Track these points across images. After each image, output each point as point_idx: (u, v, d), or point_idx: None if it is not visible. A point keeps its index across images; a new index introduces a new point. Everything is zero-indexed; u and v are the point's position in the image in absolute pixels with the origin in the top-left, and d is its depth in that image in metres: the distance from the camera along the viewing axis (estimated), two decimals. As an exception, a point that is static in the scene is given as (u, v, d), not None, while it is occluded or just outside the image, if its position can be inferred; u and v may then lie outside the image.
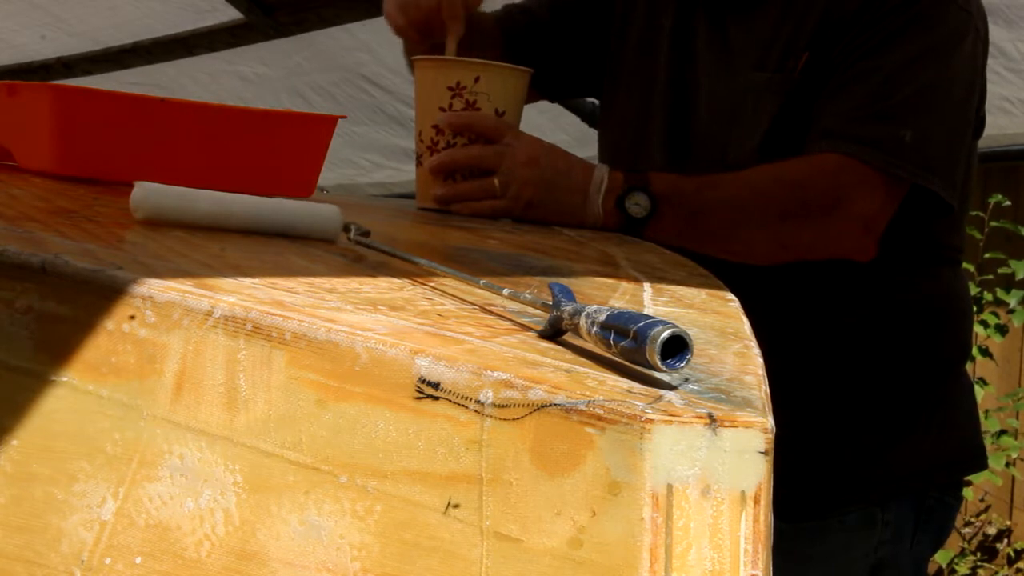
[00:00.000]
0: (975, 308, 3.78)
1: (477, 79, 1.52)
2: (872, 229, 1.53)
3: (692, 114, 1.64)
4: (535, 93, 1.79)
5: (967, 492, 3.83)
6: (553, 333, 0.68)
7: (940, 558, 3.96)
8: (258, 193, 1.02)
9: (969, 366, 2.06)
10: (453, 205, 1.53)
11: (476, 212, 1.51)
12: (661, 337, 0.58)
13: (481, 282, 0.78)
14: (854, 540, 1.65)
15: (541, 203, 1.50)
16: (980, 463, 1.75)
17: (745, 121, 1.59)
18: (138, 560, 0.63)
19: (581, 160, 1.53)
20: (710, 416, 0.55)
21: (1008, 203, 3.86)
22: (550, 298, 0.70)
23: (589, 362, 0.63)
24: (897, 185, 1.52)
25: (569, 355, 0.64)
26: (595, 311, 0.64)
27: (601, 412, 0.55)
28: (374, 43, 3.78)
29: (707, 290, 1.00)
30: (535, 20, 1.80)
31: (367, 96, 4.12)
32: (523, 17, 1.80)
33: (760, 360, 0.70)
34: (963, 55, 1.55)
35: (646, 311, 0.81)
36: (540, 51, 1.77)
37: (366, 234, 0.96)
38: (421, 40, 1.61)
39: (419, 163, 1.58)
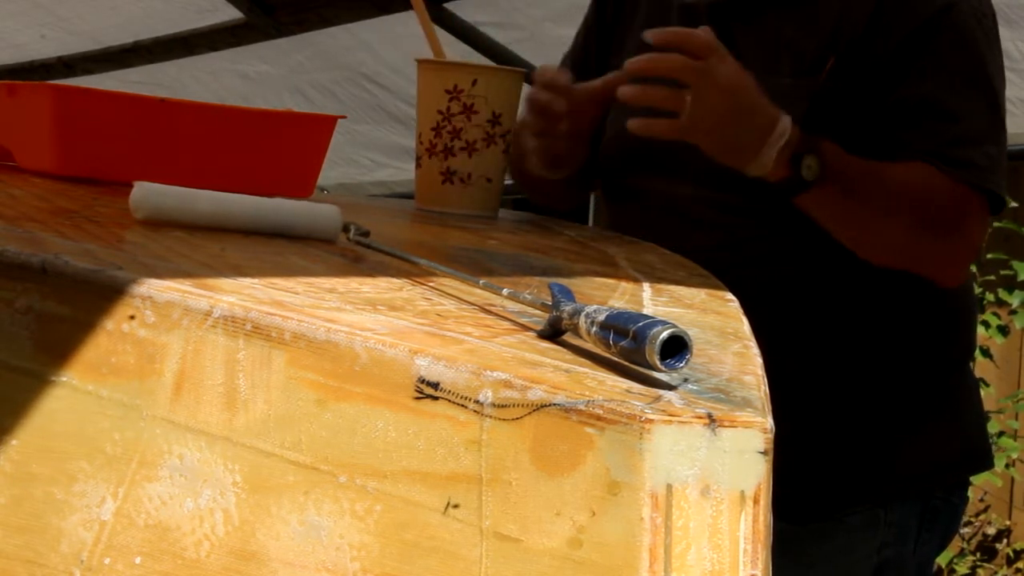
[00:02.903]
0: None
1: (474, 82, 1.53)
2: (974, 256, 1.59)
3: None
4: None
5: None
6: (553, 333, 0.68)
7: (940, 558, 3.95)
8: (258, 193, 1.02)
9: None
10: (629, 123, 1.48)
11: (651, 130, 1.47)
12: (660, 337, 0.58)
13: (481, 282, 0.78)
14: (857, 541, 1.65)
15: (721, 135, 1.47)
16: (986, 463, 1.75)
17: None
18: (138, 560, 0.63)
19: (769, 103, 1.49)
20: (709, 416, 0.55)
21: (1012, 204, 3.86)
22: (550, 298, 0.70)
23: (589, 362, 0.63)
24: (987, 203, 1.56)
25: (569, 355, 0.64)
26: (594, 311, 0.64)
27: (601, 412, 0.55)
28: (374, 42, 3.78)
29: (706, 290, 1.00)
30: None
31: (368, 95, 4.12)
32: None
33: (759, 360, 0.70)
34: (996, 55, 1.58)
35: (645, 311, 0.81)
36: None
37: (366, 234, 0.96)
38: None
39: (419, 164, 1.58)
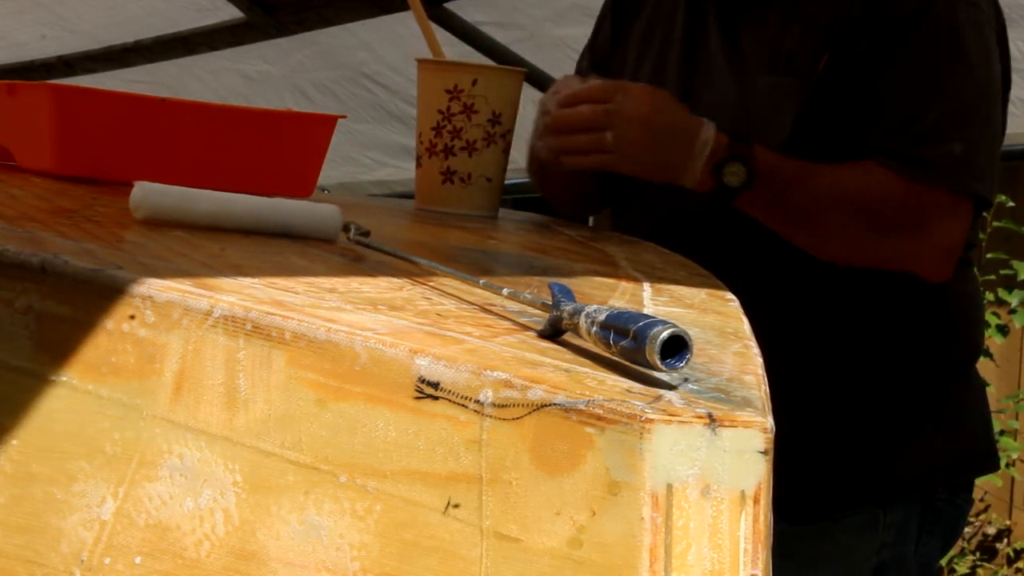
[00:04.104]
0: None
1: (475, 82, 1.53)
2: (952, 255, 1.58)
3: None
4: None
5: (967, 492, 3.81)
6: (553, 333, 0.68)
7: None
8: (258, 193, 1.02)
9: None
10: (565, 159, 1.56)
11: (584, 165, 1.56)
12: (661, 337, 0.58)
13: (481, 282, 0.78)
14: (857, 542, 1.64)
15: (646, 160, 1.54)
16: (991, 464, 1.74)
17: (762, 126, 1.58)
18: (138, 560, 0.63)
19: (688, 118, 1.54)
20: (710, 416, 0.55)
21: (1012, 204, 3.86)
22: (550, 298, 0.70)
23: (589, 362, 0.63)
24: (971, 203, 1.56)
25: (569, 355, 0.64)
26: (595, 311, 0.64)
27: (601, 412, 0.55)
28: (374, 42, 3.78)
29: (707, 290, 1.00)
30: None
31: (369, 94, 4.12)
32: None
33: (760, 360, 0.70)
34: (988, 55, 1.57)
35: (646, 311, 0.81)
36: None
37: (366, 234, 0.96)
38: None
39: (419, 164, 1.58)
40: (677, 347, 0.59)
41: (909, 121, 1.54)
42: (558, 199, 1.84)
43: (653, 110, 1.52)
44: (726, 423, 0.55)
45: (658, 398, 0.57)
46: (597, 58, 1.82)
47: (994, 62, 1.59)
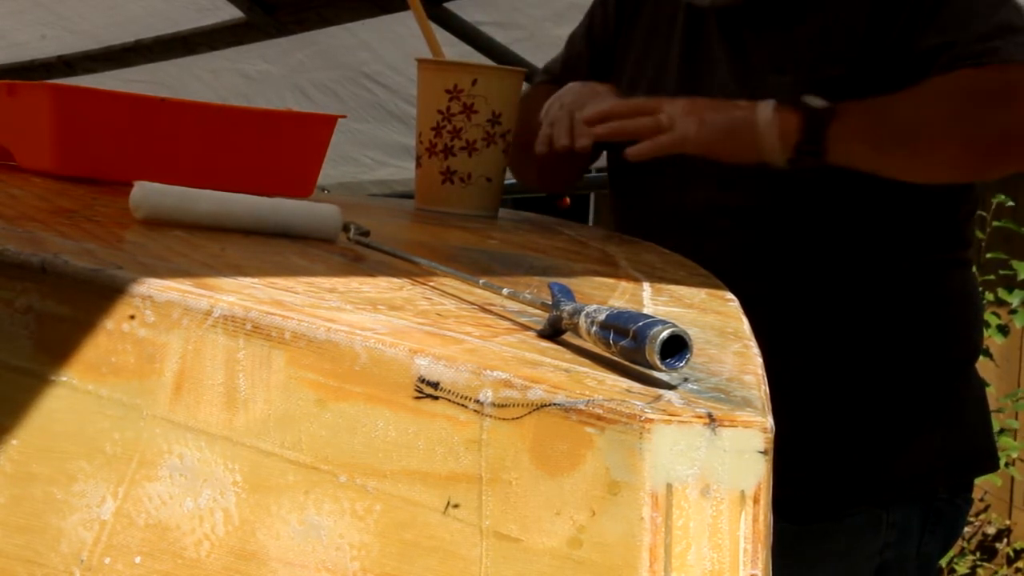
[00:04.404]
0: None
1: (474, 82, 1.53)
2: None
3: None
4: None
5: (967, 492, 3.82)
6: (553, 333, 0.68)
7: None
8: (258, 193, 1.02)
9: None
10: (629, 151, 1.52)
11: (652, 154, 1.50)
12: (661, 337, 0.58)
13: (481, 282, 0.78)
14: (858, 542, 1.64)
15: (712, 119, 1.48)
16: (991, 464, 1.74)
17: None
18: (137, 560, 0.63)
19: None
20: (709, 416, 0.55)
21: (1011, 203, 3.86)
22: (550, 298, 0.70)
23: (589, 362, 0.63)
24: None
25: (568, 355, 0.64)
26: (594, 311, 0.64)
27: (600, 412, 0.55)
28: (374, 42, 3.78)
29: (706, 290, 1.00)
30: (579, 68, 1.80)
31: (369, 93, 4.12)
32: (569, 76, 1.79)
33: (759, 360, 0.70)
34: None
35: (645, 311, 0.81)
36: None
37: (366, 234, 0.96)
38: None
39: (419, 164, 1.58)
40: (677, 347, 0.59)
41: (967, 32, 1.50)
42: (532, 180, 1.84)
43: (698, 99, 1.51)
44: (726, 423, 0.55)
45: (658, 398, 0.57)
46: (596, 45, 1.81)
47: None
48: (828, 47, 1.56)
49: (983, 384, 1.77)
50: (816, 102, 1.47)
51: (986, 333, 3.90)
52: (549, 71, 1.87)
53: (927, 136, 1.50)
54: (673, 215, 1.63)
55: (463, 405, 0.58)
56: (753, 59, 1.62)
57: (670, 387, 0.59)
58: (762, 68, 1.60)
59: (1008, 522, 4.13)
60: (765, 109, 1.48)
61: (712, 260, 1.25)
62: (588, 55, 1.80)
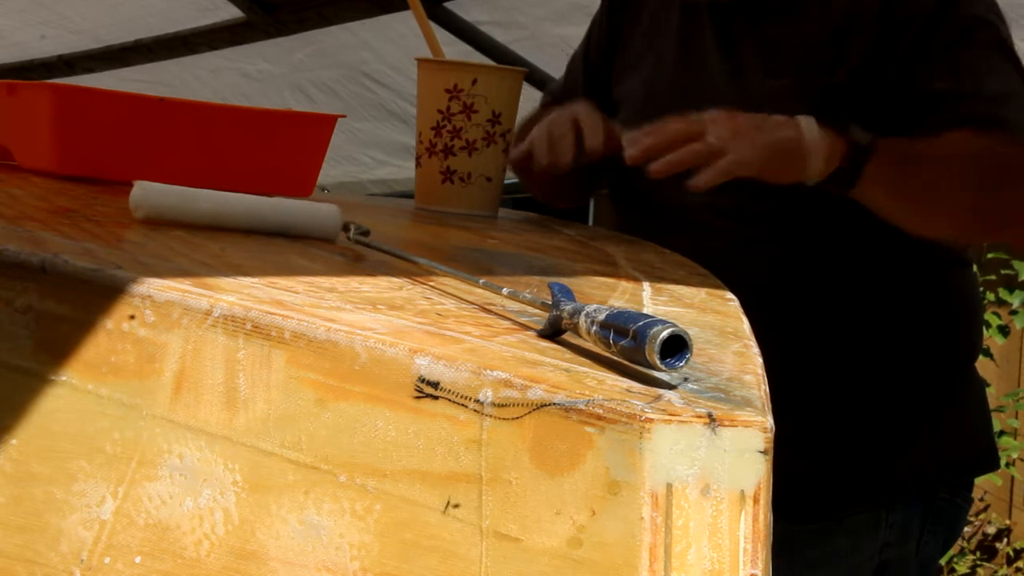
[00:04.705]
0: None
1: (474, 82, 1.53)
2: None
3: None
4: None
5: (967, 491, 3.82)
6: (553, 332, 0.68)
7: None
8: (258, 192, 1.02)
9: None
10: (693, 183, 1.47)
11: (716, 179, 1.45)
12: (661, 336, 0.58)
13: (480, 281, 0.78)
14: (859, 542, 1.64)
15: (759, 140, 1.46)
16: (991, 463, 1.74)
17: None
18: (137, 559, 0.63)
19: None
20: (709, 415, 0.55)
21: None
22: (549, 297, 0.70)
23: (589, 361, 0.63)
24: None
25: (568, 354, 0.64)
26: (594, 310, 0.64)
27: (600, 411, 0.55)
28: (375, 42, 3.78)
29: (706, 289, 1.00)
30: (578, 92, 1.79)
31: (369, 93, 4.12)
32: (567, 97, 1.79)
33: (759, 359, 0.70)
34: (1008, 36, 1.57)
35: (645, 310, 0.81)
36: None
37: (365, 233, 0.96)
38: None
39: (419, 163, 1.58)
40: (677, 347, 0.59)
41: (977, 91, 1.51)
42: (545, 194, 1.84)
43: (739, 114, 1.48)
44: (726, 423, 0.55)
45: (658, 398, 0.57)
46: (592, 67, 1.81)
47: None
48: (828, 52, 1.56)
49: (983, 384, 1.77)
50: (861, 136, 1.47)
51: (986, 333, 3.90)
52: (551, 93, 1.87)
53: (944, 201, 1.51)
54: (673, 215, 1.63)
55: (463, 405, 0.58)
56: (746, 59, 1.62)
57: (670, 387, 0.59)
58: (756, 69, 1.60)
59: (1008, 522, 4.13)
60: (811, 130, 1.46)
61: (712, 260, 1.25)
62: (584, 80, 1.80)
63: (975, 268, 1.83)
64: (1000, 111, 1.51)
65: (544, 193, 1.85)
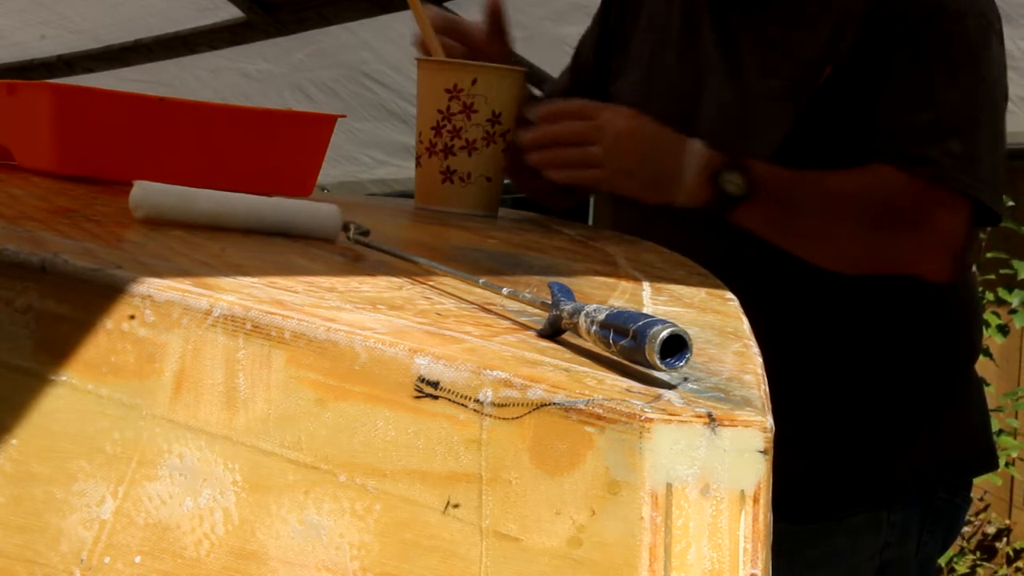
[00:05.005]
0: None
1: (474, 81, 1.53)
2: (954, 251, 1.54)
3: (696, 121, 1.63)
4: None
5: (967, 491, 3.82)
6: (552, 332, 0.68)
7: (939, 557, 3.96)
8: (258, 192, 1.02)
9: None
10: (555, 173, 1.54)
11: (576, 180, 1.53)
12: (660, 336, 0.58)
13: (480, 281, 0.78)
14: (859, 542, 1.64)
15: (638, 173, 1.51)
16: (990, 463, 1.74)
17: (756, 129, 1.58)
18: (137, 559, 0.63)
19: (676, 133, 1.53)
20: (709, 415, 0.55)
21: (1012, 203, 3.85)
22: (549, 297, 0.70)
23: (588, 361, 0.63)
24: (971, 204, 1.53)
25: (568, 354, 0.64)
26: (594, 310, 0.64)
27: (600, 411, 0.55)
28: (374, 41, 3.78)
29: (706, 289, 1.00)
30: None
31: (370, 93, 4.12)
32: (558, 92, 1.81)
33: (759, 359, 0.70)
34: (991, 63, 1.56)
35: (645, 310, 0.81)
36: None
37: (365, 233, 0.96)
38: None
39: (418, 163, 1.58)
40: (677, 346, 0.59)
41: (910, 121, 1.53)
42: (535, 194, 1.85)
43: (640, 124, 1.52)
44: (726, 422, 0.55)
45: (658, 397, 0.57)
46: (582, 73, 1.82)
47: (1000, 75, 1.58)
48: (822, 53, 1.56)
49: (982, 384, 1.77)
50: (732, 185, 1.49)
51: (986, 333, 3.90)
52: (557, 85, 1.87)
53: (828, 240, 1.55)
54: (672, 215, 1.63)
55: (463, 405, 0.58)
56: (744, 58, 1.62)
57: (670, 387, 0.59)
58: (754, 68, 1.60)
59: (1008, 522, 4.13)
60: (690, 166, 1.50)
61: (711, 260, 1.25)
62: (594, 62, 1.80)
63: (975, 268, 1.83)
64: (929, 150, 1.51)
65: (538, 197, 1.85)
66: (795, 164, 1.54)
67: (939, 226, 1.53)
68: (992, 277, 3.95)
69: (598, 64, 1.80)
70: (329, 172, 4.25)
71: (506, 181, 1.62)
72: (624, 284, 0.99)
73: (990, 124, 1.57)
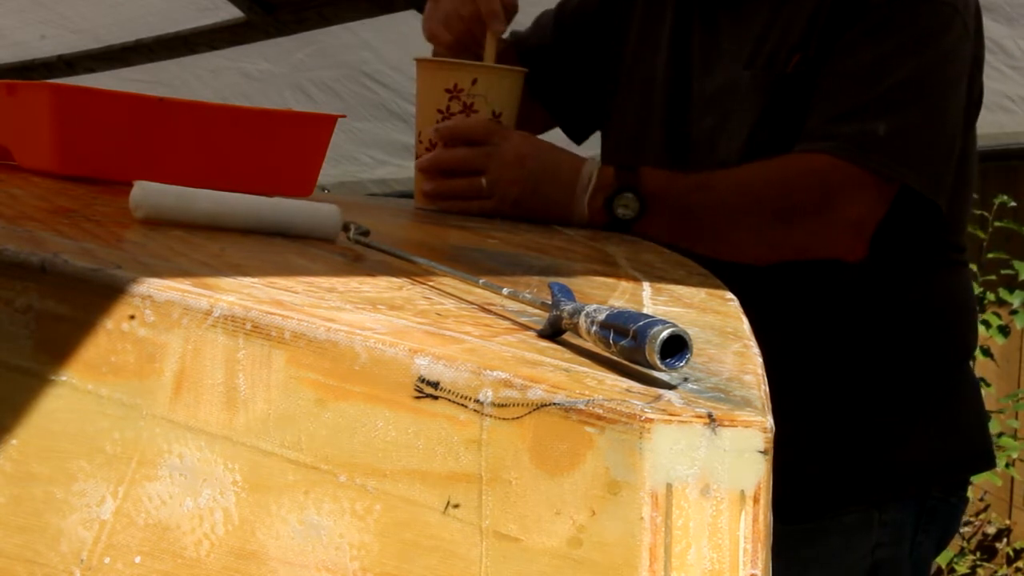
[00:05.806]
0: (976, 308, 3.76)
1: (474, 81, 1.53)
2: (862, 230, 1.52)
3: (688, 113, 1.64)
4: (548, 121, 1.81)
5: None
6: (552, 332, 0.68)
7: (939, 558, 3.96)
8: (257, 192, 1.02)
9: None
10: (441, 203, 1.54)
11: (464, 211, 1.52)
12: (661, 336, 0.58)
13: (480, 281, 0.78)
14: (851, 542, 1.64)
15: (527, 202, 1.51)
16: (986, 462, 1.74)
17: (732, 119, 1.59)
18: (137, 559, 0.63)
19: (571, 156, 1.53)
20: (709, 415, 0.55)
21: (1013, 204, 3.86)
22: (549, 297, 0.70)
23: (588, 361, 0.63)
24: (887, 184, 1.51)
25: (568, 354, 0.64)
26: (594, 310, 0.64)
27: (600, 411, 0.55)
28: (375, 41, 3.78)
29: (706, 289, 1.00)
30: (543, 45, 1.80)
31: (370, 92, 4.12)
32: (534, 40, 1.81)
33: (759, 359, 0.70)
34: (943, 48, 1.54)
35: (645, 310, 0.81)
36: (551, 75, 1.77)
37: (365, 233, 0.96)
38: (465, 54, 1.62)
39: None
40: (677, 347, 0.59)
41: (834, 101, 1.52)
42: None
43: (532, 150, 1.52)
44: (726, 423, 0.55)
45: (658, 398, 0.57)
46: (566, 20, 1.81)
47: (952, 64, 1.55)
48: (797, 40, 1.56)
49: (978, 383, 1.76)
50: (626, 208, 1.49)
51: (987, 333, 3.90)
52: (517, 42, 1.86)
53: (731, 240, 1.54)
54: None
55: (463, 405, 0.58)
56: (726, 48, 1.62)
57: (670, 387, 0.59)
58: (734, 59, 1.61)
59: (1008, 522, 4.13)
60: (581, 202, 1.50)
61: (711, 260, 1.26)
62: (555, 46, 1.81)
63: (975, 268, 1.83)
64: (841, 128, 1.50)
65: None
66: (766, 153, 1.54)
67: (843, 206, 1.50)
68: (993, 278, 3.95)
69: (570, 34, 1.80)
70: (329, 172, 4.25)
71: None
72: (624, 284, 0.99)
73: (933, 107, 1.54)
